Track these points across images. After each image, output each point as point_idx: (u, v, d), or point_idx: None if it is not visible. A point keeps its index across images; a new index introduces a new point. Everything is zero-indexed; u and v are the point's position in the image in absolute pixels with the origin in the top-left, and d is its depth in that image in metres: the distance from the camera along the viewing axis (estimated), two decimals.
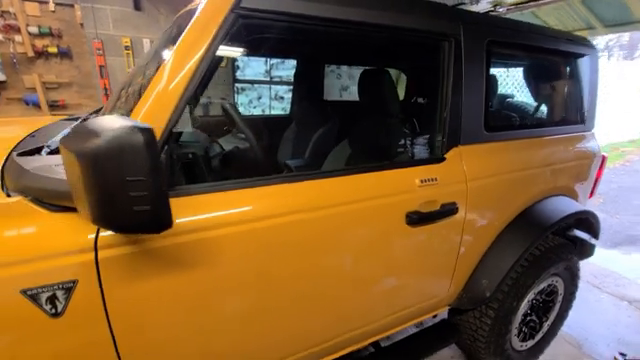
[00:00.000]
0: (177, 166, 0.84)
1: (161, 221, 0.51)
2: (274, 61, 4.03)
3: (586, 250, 1.72)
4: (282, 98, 4.38)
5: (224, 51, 0.80)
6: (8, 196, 0.67)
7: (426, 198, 1.08)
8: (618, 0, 2.23)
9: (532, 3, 2.47)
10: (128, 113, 0.74)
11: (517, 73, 1.83)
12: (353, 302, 1.08)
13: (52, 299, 0.64)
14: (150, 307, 0.74)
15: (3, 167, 0.83)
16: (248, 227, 0.81)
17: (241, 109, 4.01)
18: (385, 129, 1.31)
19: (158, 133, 0.69)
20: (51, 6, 3.13)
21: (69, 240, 0.65)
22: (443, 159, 1.16)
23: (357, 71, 4.94)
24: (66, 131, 1.04)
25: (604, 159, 1.88)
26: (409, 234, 1.09)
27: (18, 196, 0.67)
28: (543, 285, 1.59)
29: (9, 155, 0.91)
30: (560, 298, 1.72)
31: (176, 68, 0.74)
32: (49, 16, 3.24)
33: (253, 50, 1.57)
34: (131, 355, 0.75)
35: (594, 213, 1.64)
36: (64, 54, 3.38)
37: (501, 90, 2.00)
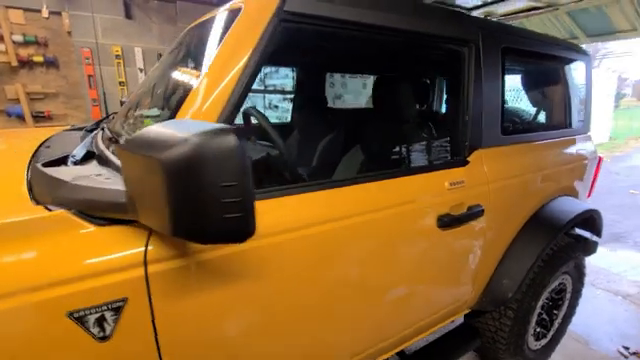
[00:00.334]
0: None
1: (248, 228, 0.48)
2: (268, 70, 4.02)
3: (589, 247, 1.78)
4: (277, 107, 4.36)
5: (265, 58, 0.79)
6: (47, 210, 0.62)
7: (455, 201, 1.10)
8: (600, 12, 2.39)
9: (521, 14, 2.61)
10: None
11: (514, 80, 1.90)
12: (388, 309, 1.06)
13: (100, 321, 0.59)
14: (200, 323, 0.70)
15: (29, 179, 0.77)
16: (298, 234, 0.79)
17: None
18: (405, 134, 1.33)
19: None
20: (44, 13, 2.99)
21: (119, 255, 0.61)
22: (467, 162, 1.18)
23: (349, 80, 4.98)
24: (85, 141, 0.99)
25: (600, 160, 1.98)
26: (440, 237, 1.09)
27: (59, 209, 0.62)
28: (555, 283, 1.63)
29: (30, 166, 0.85)
30: (568, 296, 1.77)
31: (218, 78, 0.71)
32: (35, 24, 3.11)
33: (291, 57, 1.53)
34: None
35: (599, 211, 1.70)
36: (50, 63, 3.25)
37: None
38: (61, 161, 0.83)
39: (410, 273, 1.07)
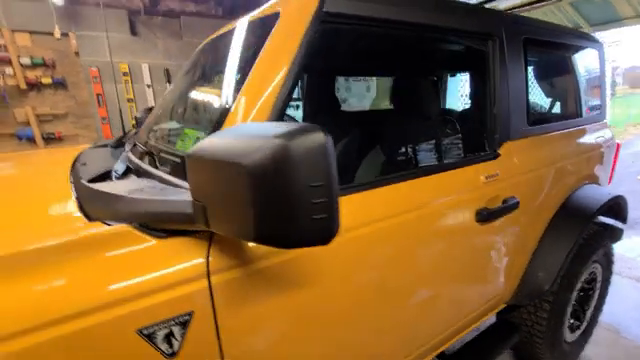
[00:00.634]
0: None
1: (332, 230, 0.47)
2: None
3: (616, 234, 1.76)
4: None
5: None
6: (106, 224, 0.62)
7: (491, 194, 1.09)
8: (605, 0, 2.40)
9: (524, 7, 2.62)
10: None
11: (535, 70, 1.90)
12: (433, 309, 1.05)
13: (168, 337, 0.58)
14: (262, 331, 0.69)
15: (77, 196, 0.77)
16: (356, 234, 0.78)
17: None
18: (431, 132, 1.32)
19: None
20: (57, 34, 3.00)
21: (182, 266, 0.60)
22: (498, 155, 1.18)
23: (353, 84, 4.97)
24: (121, 156, 0.99)
25: (618, 146, 1.97)
26: (479, 232, 1.08)
27: (119, 224, 0.61)
28: (587, 273, 1.61)
29: (74, 184, 0.85)
30: (599, 285, 1.75)
31: (262, 86, 0.71)
32: (42, 46, 3.14)
33: (326, 60, 1.52)
34: None
35: (624, 197, 1.69)
36: (59, 84, 3.27)
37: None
38: (104, 177, 0.83)
39: (454, 271, 1.06)
